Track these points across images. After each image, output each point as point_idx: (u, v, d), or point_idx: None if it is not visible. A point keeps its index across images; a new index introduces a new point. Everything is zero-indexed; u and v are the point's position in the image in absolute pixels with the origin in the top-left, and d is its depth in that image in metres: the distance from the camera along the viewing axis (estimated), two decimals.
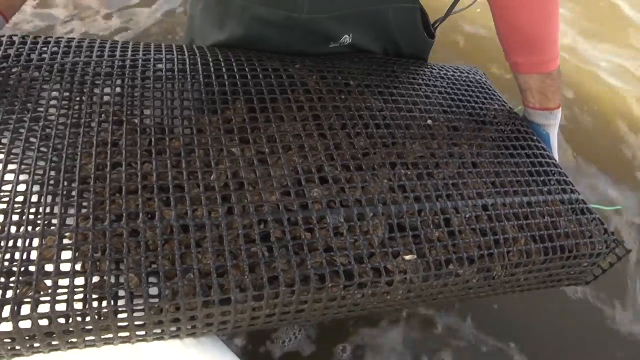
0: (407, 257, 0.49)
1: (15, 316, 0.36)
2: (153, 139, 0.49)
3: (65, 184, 0.44)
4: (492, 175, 0.59)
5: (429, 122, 0.62)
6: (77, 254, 0.40)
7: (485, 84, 0.76)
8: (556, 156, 0.72)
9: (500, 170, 0.60)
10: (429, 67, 0.75)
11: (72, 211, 0.42)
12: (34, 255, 0.39)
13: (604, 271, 0.61)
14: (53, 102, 0.51)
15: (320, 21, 0.66)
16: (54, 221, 0.41)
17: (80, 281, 0.39)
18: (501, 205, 0.56)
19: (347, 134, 0.57)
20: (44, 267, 0.38)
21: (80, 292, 0.38)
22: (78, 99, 0.52)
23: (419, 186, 0.54)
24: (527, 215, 0.57)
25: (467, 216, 0.54)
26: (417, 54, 0.78)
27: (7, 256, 0.38)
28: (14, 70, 0.53)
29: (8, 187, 0.43)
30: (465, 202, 0.55)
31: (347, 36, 0.70)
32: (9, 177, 0.43)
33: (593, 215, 0.61)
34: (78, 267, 0.40)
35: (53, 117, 0.49)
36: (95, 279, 0.39)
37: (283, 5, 0.64)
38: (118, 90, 0.54)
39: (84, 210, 0.42)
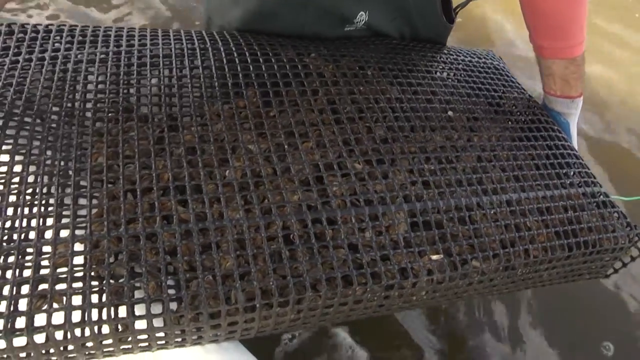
0: (434, 257, 0.47)
1: (30, 330, 0.33)
2: (166, 131, 0.47)
3: (77, 182, 0.41)
4: (513, 167, 0.58)
5: (450, 113, 0.60)
6: (91, 261, 0.37)
7: (502, 70, 0.73)
8: (575, 145, 0.70)
9: (522, 163, 0.58)
10: (446, 51, 0.72)
11: (83, 212, 0.39)
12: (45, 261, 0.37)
13: (624, 264, 0.60)
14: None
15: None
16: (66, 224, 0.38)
17: (95, 288, 0.37)
18: (523, 200, 0.55)
19: (365, 124, 0.54)
20: (57, 277, 0.36)
21: (96, 302, 0.36)
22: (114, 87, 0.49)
23: (442, 180, 0.52)
24: (549, 209, 0.55)
25: (491, 211, 0.52)
26: (434, 38, 0.75)
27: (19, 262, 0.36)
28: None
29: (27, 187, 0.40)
30: (488, 196, 0.53)
31: (363, 13, 0.66)
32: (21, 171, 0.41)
33: (615, 209, 0.59)
34: (93, 273, 0.38)
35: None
36: (113, 287, 0.37)
37: None
38: (138, 82, 0.51)
39: (94, 210, 0.40)
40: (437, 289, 0.48)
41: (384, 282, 0.43)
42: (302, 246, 0.42)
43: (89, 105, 0.48)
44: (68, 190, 0.41)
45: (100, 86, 0.50)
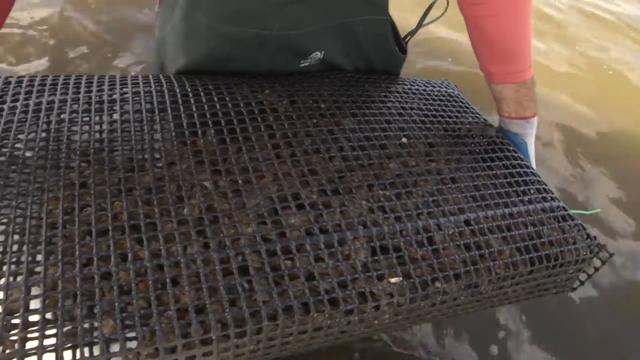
0: (393, 280, 0.48)
1: None
2: (122, 176, 0.48)
3: (32, 230, 0.42)
4: (471, 188, 0.59)
5: (404, 140, 0.62)
6: (46, 303, 0.38)
7: (457, 97, 0.76)
8: (534, 164, 0.72)
9: (479, 183, 0.60)
10: (401, 82, 0.75)
11: (39, 257, 0.40)
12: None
13: (589, 276, 0.61)
14: (18, 145, 0.50)
15: (291, 38, 0.65)
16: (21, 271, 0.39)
17: (51, 332, 0.37)
18: (483, 219, 0.56)
19: (321, 158, 0.56)
20: (9, 322, 0.36)
21: (51, 344, 0.36)
22: (45, 139, 0.51)
23: (399, 205, 0.53)
24: (509, 226, 0.56)
25: (450, 232, 0.53)
26: (389, 69, 0.78)
27: None
28: None
29: None
30: (446, 218, 0.54)
31: (318, 52, 0.69)
32: None
33: (574, 221, 0.61)
34: (49, 316, 0.38)
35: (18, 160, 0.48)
36: (67, 328, 0.37)
37: (252, 24, 0.63)
38: (85, 128, 0.53)
39: (52, 257, 0.41)
40: (398, 311, 0.48)
41: (342, 307, 0.44)
42: (259, 277, 0.43)
43: (42, 152, 0.50)
44: (25, 237, 0.42)
45: (53, 133, 0.52)
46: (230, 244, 0.44)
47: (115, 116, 0.54)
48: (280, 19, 0.62)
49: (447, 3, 0.73)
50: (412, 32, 0.77)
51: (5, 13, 0.58)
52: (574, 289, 0.63)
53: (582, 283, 0.62)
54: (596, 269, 0.61)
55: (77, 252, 0.40)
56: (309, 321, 0.43)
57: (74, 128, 0.53)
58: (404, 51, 0.77)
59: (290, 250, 0.46)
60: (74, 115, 0.54)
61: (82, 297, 0.39)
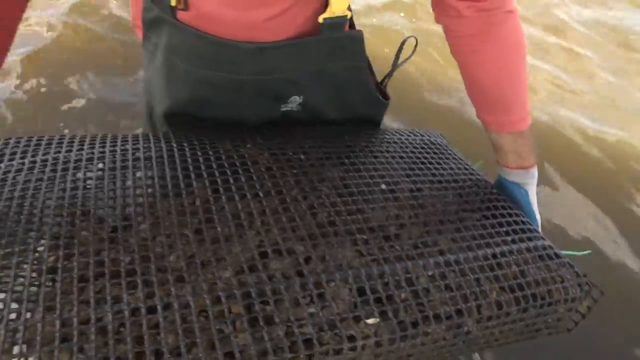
0: (370, 321, 0.48)
1: None
2: (106, 230, 0.51)
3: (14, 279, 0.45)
4: (453, 231, 0.60)
5: (383, 186, 0.64)
6: (26, 347, 0.40)
7: (441, 145, 0.78)
8: (537, 213, 0.71)
9: (462, 226, 0.61)
10: (383, 132, 0.78)
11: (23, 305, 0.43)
12: None
13: (583, 316, 0.60)
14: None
15: (267, 82, 0.66)
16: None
17: None
18: (465, 260, 0.56)
19: (302, 209, 0.57)
20: None
21: None
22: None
23: (377, 249, 0.54)
24: (492, 266, 0.56)
25: (430, 274, 0.54)
26: (373, 115, 0.79)
27: None
28: None
29: None
30: (426, 260, 0.55)
31: (297, 97, 0.70)
32: None
33: (562, 260, 0.60)
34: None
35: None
36: None
37: (226, 68, 0.65)
38: (70, 185, 0.57)
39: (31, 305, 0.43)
40: (377, 352, 0.48)
41: (317, 348, 0.44)
42: (234, 319, 0.44)
43: (47, 211, 0.53)
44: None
45: (59, 194, 0.56)
46: (207, 288, 0.46)
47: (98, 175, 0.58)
48: (254, 65, 0.64)
49: (416, 42, 0.74)
50: (389, 74, 0.78)
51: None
52: (569, 330, 0.61)
53: (576, 324, 0.61)
54: (589, 309, 0.60)
55: (57, 298, 0.43)
56: None
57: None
58: (386, 97, 0.78)
59: (267, 295, 0.47)
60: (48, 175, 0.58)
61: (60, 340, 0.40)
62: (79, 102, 1.74)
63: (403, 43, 0.76)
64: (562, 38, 2.76)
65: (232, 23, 0.62)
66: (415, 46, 0.75)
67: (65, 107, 1.71)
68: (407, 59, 0.76)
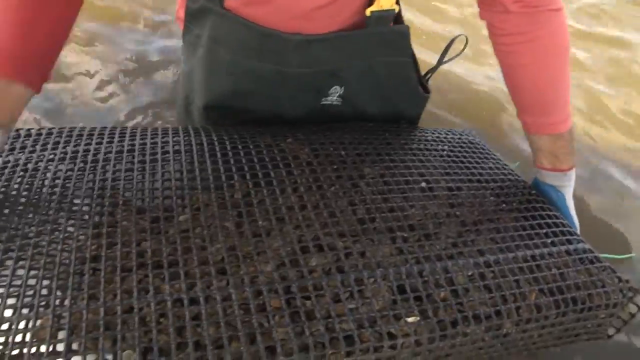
0: (410, 319, 0.48)
1: None
2: (148, 221, 0.51)
3: (62, 268, 0.45)
4: (492, 231, 0.59)
5: (423, 184, 0.63)
6: (71, 333, 0.40)
7: (479, 145, 0.77)
8: (574, 217, 0.69)
9: (501, 226, 0.60)
10: (422, 131, 0.77)
11: (68, 292, 0.43)
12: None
13: (625, 322, 0.58)
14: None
15: (311, 75, 0.66)
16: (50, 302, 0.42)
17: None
18: (504, 261, 0.55)
19: (342, 205, 0.57)
20: (38, 349, 0.38)
21: None
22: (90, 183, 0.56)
23: (417, 248, 0.54)
24: (532, 268, 0.55)
25: (469, 273, 0.53)
26: (411, 109, 0.78)
27: (1, 339, 0.39)
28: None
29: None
30: (466, 260, 0.54)
31: (338, 87, 0.69)
32: None
33: (603, 264, 0.59)
34: (74, 346, 0.40)
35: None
36: (90, 358, 0.39)
37: (271, 60, 0.64)
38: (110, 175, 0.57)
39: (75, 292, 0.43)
40: (417, 351, 0.47)
41: (357, 345, 0.44)
42: (275, 313, 0.44)
43: (87, 200, 0.54)
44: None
45: (99, 184, 0.56)
46: (248, 282, 0.46)
47: (141, 166, 0.59)
48: (299, 57, 0.64)
49: (467, 40, 0.73)
50: (433, 70, 0.77)
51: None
52: (609, 337, 0.60)
53: (618, 330, 0.59)
54: (632, 315, 0.58)
55: (102, 286, 0.43)
56: (325, 359, 0.43)
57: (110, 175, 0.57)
58: (427, 90, 0.77)
59: (308, 290, 0.47)
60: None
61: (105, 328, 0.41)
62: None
63: (453, 40, 0.75)
64: None
65: (281, 10, 0.61)
66: (466, 44, 0.74)
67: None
68: (456, 55, 0.75)
